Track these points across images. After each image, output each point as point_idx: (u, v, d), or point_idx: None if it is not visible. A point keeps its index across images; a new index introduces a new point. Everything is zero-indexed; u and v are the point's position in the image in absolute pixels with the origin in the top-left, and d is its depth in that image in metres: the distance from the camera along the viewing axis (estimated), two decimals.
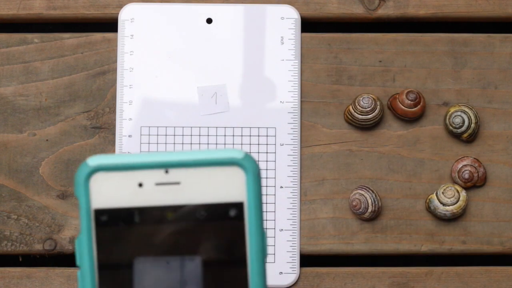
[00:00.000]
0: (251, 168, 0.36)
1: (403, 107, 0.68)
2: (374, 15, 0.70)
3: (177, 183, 0.36)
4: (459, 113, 0.68)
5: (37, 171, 0.68)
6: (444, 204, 0.67)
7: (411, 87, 0.69)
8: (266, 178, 0.68)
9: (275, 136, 0.68)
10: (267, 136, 0.68)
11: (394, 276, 0.68)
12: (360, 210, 0.67)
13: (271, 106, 0.68)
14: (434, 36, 0.70)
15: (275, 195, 0.68)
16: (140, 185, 0.36)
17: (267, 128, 0.68)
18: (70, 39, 0.69)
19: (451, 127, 0.68)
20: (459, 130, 0.68)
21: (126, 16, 0.69)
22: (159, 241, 0.36)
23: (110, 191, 0.36)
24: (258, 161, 0.68)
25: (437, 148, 0.69)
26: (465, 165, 0.68)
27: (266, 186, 0.68)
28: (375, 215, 0.68)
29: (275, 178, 0.68)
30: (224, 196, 0.36)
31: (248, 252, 0.36)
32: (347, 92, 0.69)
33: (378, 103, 0.68)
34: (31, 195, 0.68)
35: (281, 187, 0.68)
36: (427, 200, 0.68)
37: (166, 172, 0.36)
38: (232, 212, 0.36)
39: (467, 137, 0.68)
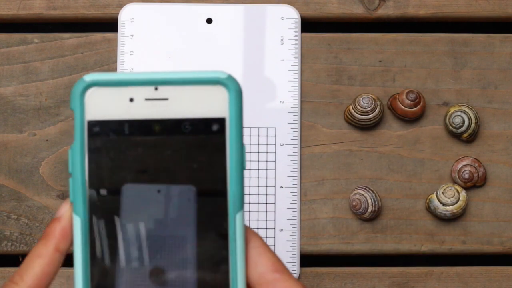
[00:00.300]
0: (234, 87, 0.40)
1: (403, 107, 0.68)
2: (374, 15, 0.70)
3: (165, 99, 0.39)
4: (459, 113, 0.68)
5: (37, 171, 0.68)
6: (444, 204, 0.67)
7: (411, 87, 0.69)
8: (266, 178, 0.68)
9: (275, 136, 0.68)
10: (267, 136, 0.68)
11: (394, 276, 0.68)
12: (360, 210, 0.67)
13: (271, 106, 0.68)
14: (434, 36, 0.70)
15: (275, 195, 0.68)
16: (131, 100, 0.39)
17: (267, 128, 0.68)
18: (70, 39, 0.69)
19: (451, 127, 0.68)
20: (459, 130, 0.68)
21: (126, 16, 0.69)
22: (146, 152, 0.39)
23: (103, 105, 0.39)
24: (258, 161, 0.68)
25: (437, 148, 0.69)
26: (465, 165, 0.68)
27: (266, 186, 0.68)
28: (375, 215, 0.68)
29: (275, 178, 0.68)
30: (208, 112, 0.39)
31: (228, 163, 0.39)
32: (347, 92, 0.69)
33: (378, 103, 0.68)
34: (31, 195, 0.68)
35: (281, 187, 0.68)
36: (427, 200, 0.68)
37: (156, 89, 0.39)
38: (215, 127, 0.39)
39: (467, 137, 0.68)
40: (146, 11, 0.69)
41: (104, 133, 0.39)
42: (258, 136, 0.68)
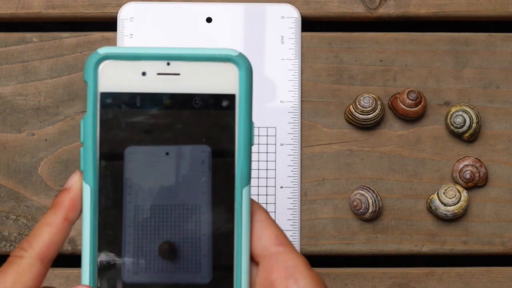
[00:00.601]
0: (244, 65, 0.40)
1: (404, 106, 0.68)
2: (375, 14, 0.70)
3: (177, 74, 0.40)
4: (460, 112, 0.68)
5: (36, 171, 0.68)
6: (445, 204, 0.67)
7: (412, 87, 0.69)
8: (266, 178, 0.68)
9: (275, 136, 0.68)
10: (267, 136, 0.68)
11: (395, 276, 0.68)
12: (361, 210, 0.67)
13: (271, 106, 0.68)
14: (435, 35, 0.70)
15: (275, 195, 0.67)
16: (144, 73, 0.40)
17: (267, 128, 0.68)
18: (69, 38, 0.69)
19: (452, 127, 0.68)
20: (460, 130, 0.68)
21: (126, 15, 0.69)
22: (156, 124, 0.40)
23: (116, 78, 0.40)
24: (258, 161, 0.68)
25: (438, 148, 0.69)
26: (467, 165, 0.68)
27: (266, 186, 0.68)
28: (376, 215, 0.67)
29: (275, 178, 0.68)
30: (219, 88, 0.40)
31: (237, 139, 0.40)
32: (347, 91, 0.69)
33: (378, 102, 0.68)
34: (30, 195, 0.67)
35: (281, 187, 0.68)
36: (428, 200, 0.67)
37: (168, 64, 0.40)
38: (225, 103, 0.40)
39: (469, 137, 0.68)
40: (145, 10, 0.69)
41: (116, 104, 0.40)
42: (258, 136, 0.68)
